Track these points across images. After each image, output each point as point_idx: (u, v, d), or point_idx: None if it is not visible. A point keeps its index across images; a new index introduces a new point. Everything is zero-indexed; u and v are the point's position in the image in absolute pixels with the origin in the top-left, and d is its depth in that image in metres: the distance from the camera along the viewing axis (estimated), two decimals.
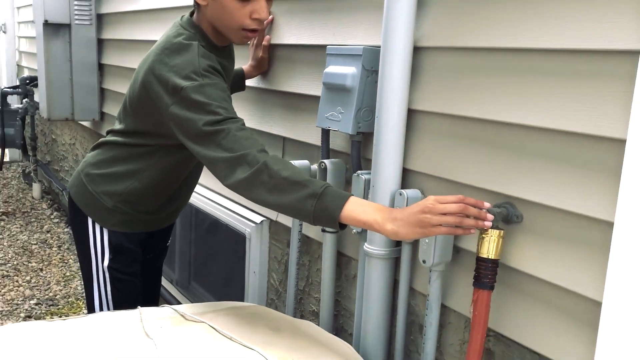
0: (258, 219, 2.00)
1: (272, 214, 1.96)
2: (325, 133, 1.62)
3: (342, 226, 1.25)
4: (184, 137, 1.39)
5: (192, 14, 1.57)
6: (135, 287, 1.77)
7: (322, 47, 1.62)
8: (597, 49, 1.02)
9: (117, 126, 1.66)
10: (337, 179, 1.58)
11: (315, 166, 1.66)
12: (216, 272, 2.31)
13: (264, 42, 1.89)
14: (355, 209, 1.20)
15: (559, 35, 1.07)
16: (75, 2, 3.34)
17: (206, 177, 1.98)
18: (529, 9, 1.12)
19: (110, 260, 1.68)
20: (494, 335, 1.28)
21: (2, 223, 4.39)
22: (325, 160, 1.59)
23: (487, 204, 1.17)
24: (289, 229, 1.82)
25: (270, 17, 1.88)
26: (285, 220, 1.88)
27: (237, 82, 1.91)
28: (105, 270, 1.69)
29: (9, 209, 4.72)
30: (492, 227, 1.16)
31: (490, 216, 1.14)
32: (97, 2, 3.39)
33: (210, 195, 2.29)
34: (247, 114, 2.04)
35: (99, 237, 1.68)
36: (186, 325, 1.36)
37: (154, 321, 1.36)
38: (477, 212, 1.13)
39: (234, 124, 1.34)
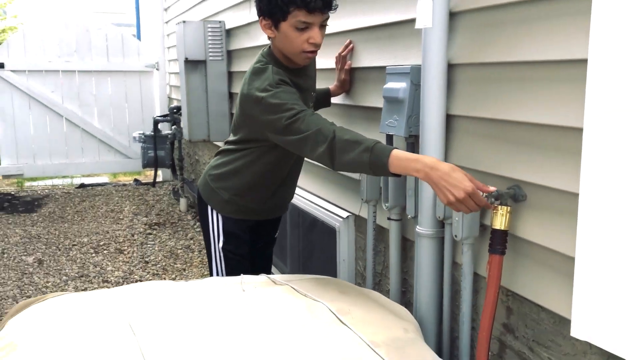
0: (344, 214, 2.39)
1: (356, 209, 2.33)
2: (389, 137, 1.97)
3: (397, 175, 1.58)
4: (275, 135, 1.82)
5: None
6: (244, 268, 2.21)
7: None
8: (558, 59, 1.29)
9: (230, 137, 2.14)
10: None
11: None
12: (316, 261, 2.72)
13: (346, 67, 2.29)
14: (400, 154, 1.53)
15: (545, 50, 1.36)
16: (210, 42, 3.97)
17: (304, 179, 2.40)
18: (524, 31, 1.42)
19: (223, 242, 2.16)
20: (511, 295, 1.55)
21: (155, 232, 5.17)
22: None
23: (491, 189, 1.46)
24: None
25: (351, 45, 2.28)
26: (365, 213, 2.24)
27: (323, 100, 2.32)
28: (220, 250, 2.17)
29: (160, 220, 5.52)
30: (502, 204, 1.45)
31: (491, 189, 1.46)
32: (226, 41, 4.01)
33: (308, 197, 2.72)
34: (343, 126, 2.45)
35: (216, 224, 2.16)
36: (274, 286, 1.77)
37: (251, 283, 1.78)
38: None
39: (305, 112, 1.74)
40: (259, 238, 2.29)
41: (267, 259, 2.43)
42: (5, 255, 4.51)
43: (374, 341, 1.43)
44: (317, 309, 1.58)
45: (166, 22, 6.56)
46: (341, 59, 2.30)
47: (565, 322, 1.36)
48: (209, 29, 3.96)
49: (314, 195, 2.70)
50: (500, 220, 1.46)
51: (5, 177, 6.88)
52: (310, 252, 2.77)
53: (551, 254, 1.39)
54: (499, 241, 1.47)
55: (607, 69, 1.15)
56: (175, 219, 5.57)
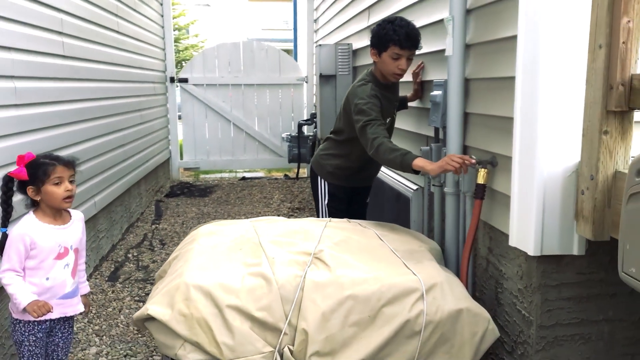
0: (415, 187, 3.27)
1: (421, 184, 3.21)
2: (435, 129, 2.84)
3: (416, 172, 2.49)
4: (357, 130, 2.80)
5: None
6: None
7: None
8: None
9: (333, 129, 3.15)
10: (437, 155, 2.79)
11: (427, 147, 2.90)
12: (394, 221, 3.62)
13: (418, 80, 3.19)
14: (418, 161, 2.44)
15: (507, 70, 2.18)
16: (339, 60, 5.03)
17: None
18: (507, 58, 2.25)
19: (328, 200, 3.17)
20: (490, 227, 2.37)
21: (295, 214, 6.35)
22: (432, 144, 2.82)
23: (473, 160, 2.31)
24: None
25: (422, 64, 3.18)
26: (426, 186, 3.12)
27: (402, 104, 3.25)
28: (325, 206, 3.18)
29: (300, 206, 6.69)
30: (483, 167, 2.29)
31: (473, 160, 2.30)
32: (353, 59, 5.04)
33: (391, 174, 3.65)
34: (413, 122, 3.35)
35: (323, 187, 3.19)
36: (348, 222, 2.72)
37: (335, 220, 2.76)
38: (465, 165, 2.29)
39: (377, 122, 2.69)
40: (353, 201, 3.27)
41: (360, 217, 3.38)
42: (185, 225, 5.92)
43: (397, 248, 2.34)
44: (368, 231, 2.52)
45: (315, 42, 7.79)
46: (415, 75, 3.21)
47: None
48: (339, 50, 5.01)
49: (395, 172, 3.64)
50: (482, 177, 2.30)
51: (186, 169, 8.54)
52: (397, 216, 3.68)
53: (506, 198, 2.20)
54: (480, 191, 2.31)
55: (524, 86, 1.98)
56: (312, 206, 6.72)
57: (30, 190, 2.28)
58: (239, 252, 2.26)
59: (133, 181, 5.63)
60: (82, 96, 4.03)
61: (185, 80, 7.93)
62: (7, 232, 2.30)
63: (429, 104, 2.98)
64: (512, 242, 2.08)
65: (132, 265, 4.65)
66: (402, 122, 3.56)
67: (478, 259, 2.54)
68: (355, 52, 4.99)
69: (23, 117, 3.01)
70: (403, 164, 2.48)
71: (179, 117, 8.22)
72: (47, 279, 2.30)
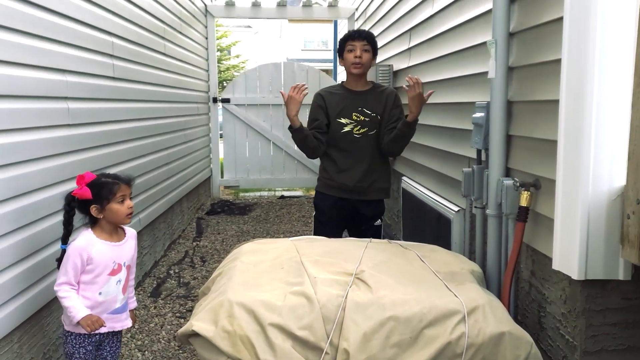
0: (456, 208, 3.27)
1: (463, 205, 3.20)
2: (477, 150, 2.84)
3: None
4: None
5: None
6: (326, 233, 3.28)
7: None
8: None
9: None
10: (480, 176, 2.78)
11: (469, 169, 2.90)
12: (435, 242, 3.61)
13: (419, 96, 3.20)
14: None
15: (553, 93, 2.18)
16: (380, 80, 5.07)
17: (429, 181, 3.33)
18: (551, 79, 2.25)
19: (315, 213, 3.48)
20: (533, 249, 2.35)
21: None
22: (474, 166, 2.82)
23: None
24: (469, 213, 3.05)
25: (432, 92, 3.19)
26: (468, 207, 3.11)
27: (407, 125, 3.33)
28: (313, 220, 3.34)
29: None
30: (526, 190, 2.28)
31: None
32: (393, 80, 5.07)
33: (431, 195, 3.65)
34: (452, 142, 3.36)
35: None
36: (389, 244, 2.74)
37: (376, 240, 2.78)
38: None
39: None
40: (348, 217, 3.45)
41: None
42: (225, 243, 6.01)
43: (438, 270, 2.34)
44: (409, 253, 2.53)
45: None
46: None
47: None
48: (380, 70, 5.06)
49: (435, 193, 3.63)
50: (525, 200, 2.29)
51: (226, 187, 8.68)
52: (436, 237, 3.66)
53: (549, 221, 2.18)
54: (523, 214, 2.29)
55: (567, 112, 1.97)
56: None
57: (94, 209, 2.37)
58: (281, 270, 2.30)
59: (176, 199, 5.75)
60: (130, 116, 4.17)
61: (227, 101, 8.09)
62: (66, 249, 2.40)
63: (469, 124, 2.99)
64: (556, 265, 2.06)
65: (173, 281, 4.74)
66: (442, 142, 3.57)
67: (520, 281, 2.52)
68: (396, 73, 5.03)
69: (75, 137, 3.14)
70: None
71: (220, 136, 8.37)
72: (100, 293, 2.38)
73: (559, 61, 2.00)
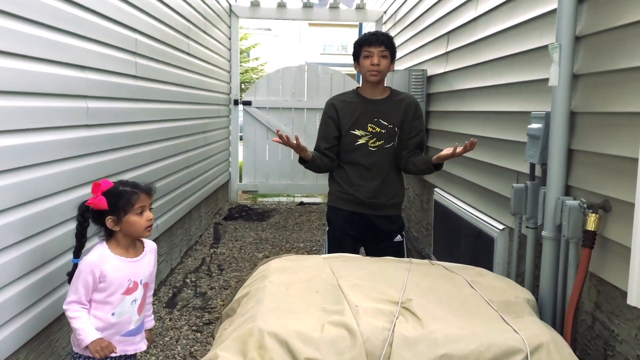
0: (501, 226, 3.01)
1: (510, 223, 2.94)
2: (531, 165, 2.59)
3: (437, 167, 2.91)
4: None
5: None
6: (342, 250, 3.02)
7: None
8: None
9: None
10: (534, 193, 2.52)
11: (522, 185, 2.64)
12: (472, 262, 3.35)
13: (458, 152, 2.95)
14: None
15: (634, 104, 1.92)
16: (412, 86, 4.82)
17: (468, 196, 3.07)
18: (629, 89, 1.99)
19: (328, 228, 3.26)
20: (598, 279, 2.08)
21: None
22: (528, 182, 2.56)
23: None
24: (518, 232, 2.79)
25: (475, 141, 2.93)
26: (516, 226, 2.85)
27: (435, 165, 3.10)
28: (325, 235, 3.23)
29: None
30: (594, 212, 2.02)
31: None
32: (427, 86, 4.82)
33: (471, 211, 3.38)
34: (498, 155, 3.10)
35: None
36: (431, 265, 2.49)
37: (415, 261, 2.53)
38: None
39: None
40: (362, 232, 3.16)
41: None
42: (243, 251, 5.79)
43: (491, 299, 2.08)
44: (456, 277, 2.28)
45: None
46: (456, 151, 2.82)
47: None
48: (413, 76, 4.81)
49: (478, 210, 3.37)
50: (592, 223, 2.03)
51: (245, 192, 8.46)
52: (475, 256, 3.40)
53: (622, 248, 1.92)
54: (590, 239, 2.03)
55: None
56: None
57: (109, 220, 2.15)
58: (316, 295, 2.06)
59: (194, 203, 5.54)
60: (151, 117, 3.96)
61: (248, 103, 7.89)
62: (78, 263, 2.19)
63: (518, 135, 2.74)
64: (632, 300, 1.80)
65: (190, 291, 4.52)
66: (484, 153, 3.31)
67: (581, 313, 2.25)
68: (430, 79, 4.78)
69: (93, 138, 2.93)
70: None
71: (240, 138, 8.17)
72: (113, 314, 2.16)
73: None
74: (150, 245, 2.34)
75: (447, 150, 2.84)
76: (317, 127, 3.30)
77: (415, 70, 4.84)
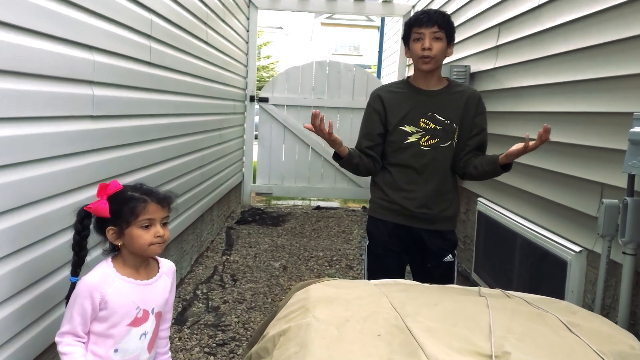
0: (577, 248, 2.54)
1: (590, 244, 2.48)
2: (630, 177, 2.12)
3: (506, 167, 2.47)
4: None
5: None
6: (384, 269, 2.67)
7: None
8: None
9: None
10: (636, 212, 2.07)
11: (616, 201, 2.18)
12: (541, 291, 2.89)
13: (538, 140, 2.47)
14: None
15: None
16: (454, 76, 4.35)
17: (534, 212, 2.62)
18: None
19: (368, 242, 2.83)
20: None
21: None
22: (628, 198, 2.10)
23: None
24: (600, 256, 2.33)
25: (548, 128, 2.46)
26: (598, 248, 2.38)
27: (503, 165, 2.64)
28: (365, 250, 2.86)
29: None
30: None
31: None
32: (470, 83, 4.36)
33: (536, 229, 2.92)
34: (573, 163, 2.63)
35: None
36: (506, 297, 2.03)
37: (486, 292, 2.07)
38: None
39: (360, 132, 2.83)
40: (405, 247, 2.72)
41: (426, 276, 2.58)
42: (257, 259, 5.33)
43: (602, 350, 1.62)
44: (548, 317, 1.81)
45: (407, 65, 7.15)
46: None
47: None
48: (455, 72, 4.34)
49: (542, 228, 2.90)
50: None
51: (258, 194, 8.01)
52: (536, 281, 2.94)
53: None
54: None
55: None
56: None
57: (110, 232, 1.71)
58: (379, 340, 1.60)
59: (207, 206, 5.10)
60: (165, 110, 3.51)
61: (265, 100, 7.44)
62: (77, 282, 1.74)
63: (604, 141, 2.27)
64: None
65: (201, 304, 4.07)
66: (553, 161, 2.85)
67: None
68: (474, 76, 4.32)
69: (99, 132, 2.48)
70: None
71: (255, 137, 7.73)
72: (116, 351, 1.71)
73: None
74: (167, 266, 1.89)
75: (517, 146, 2.36)
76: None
77: (457, 66, 4.37)
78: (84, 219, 1.76)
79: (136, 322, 1.74)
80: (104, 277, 1.72)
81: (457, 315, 1.74)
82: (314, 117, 2.41)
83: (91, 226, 1.78)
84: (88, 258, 1.85)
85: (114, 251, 1.77)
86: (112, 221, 1.72)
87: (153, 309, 1.79)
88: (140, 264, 1.80)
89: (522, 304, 1.95)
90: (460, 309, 1.81)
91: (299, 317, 1.82)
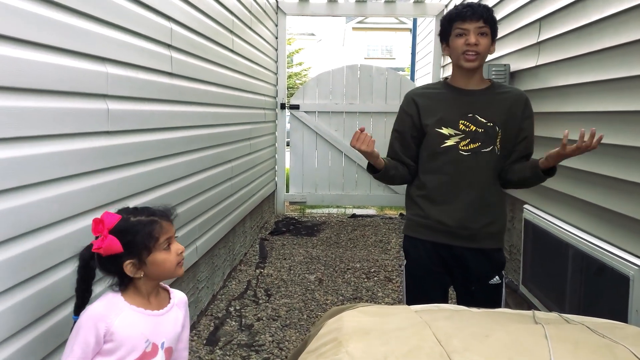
0: None
1: None
2: None
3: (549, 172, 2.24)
4: None
5: None
6: (424, 292, 2.44)
7: None
8: None
9: None
10: None
11: None
12: (599, 309, 2.62)
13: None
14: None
15: None
16: (493, 76, 4.10)
17: (589, 222, 2.36)
18: None
19: (405, 263, 2.58)
20: None
21: None
22: None
23: None
24: None
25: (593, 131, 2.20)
26: None
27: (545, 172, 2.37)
28: (404, 270, 2.58)
29: None
30: None
31: None
32: (510, 82, 4.10)
33: (593, 241, 2.65)
34: (622, 166, 2.37)
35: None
36: (566, 324, 1.79)
37: (543, 318, 1.83)
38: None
39: (393, 134, 2.65)
40: (447, 267, 2.46)
41: (470, 300, 2.31)
42: (292, 272, 5.15)
43: None
44: (619, 350, 1.57)
45: (442, 66, 6.90)
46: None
47: None
48: (494, 72, 4.09)
49: (598, 238, 2.63)
50: None
51: (292, 203, 7.85)
52: (594, 297, 2.67)
53: None
54: None
55: None
56: None
57: (129, 266, 1.54)
58: None
59: (239, 218, 4.95)
60: (190, 122, 3.37)
61: (296, 107, 7.28)
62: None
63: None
64: None
65: (234, 322, 3.91)
66: (612, 166, 2.58)
67: None
68: (514, 75, 4.05)
69: (116, 148, 2.34)
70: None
71: (287, 144, 7.57)
72: None
73: None
74: (178, 297, 1.72)
75: (557, 149, 2.13)
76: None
77: (496, 65, 4.12)
78: (89, 261, 1.60)
79: (144, 357, 1.57)
80: (110, 306, 1.56)
81: (511, 349, 1.52)
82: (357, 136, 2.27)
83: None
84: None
85: (123, 284, 1.60)
86: (126, 254, 1.56)
87: (163, 344, 1.62)
88: (152, 290, 1.63)
89: (585, 332, 1.71)
90: (514, 341, 1.58)
91: (330, 353, 1.62)
